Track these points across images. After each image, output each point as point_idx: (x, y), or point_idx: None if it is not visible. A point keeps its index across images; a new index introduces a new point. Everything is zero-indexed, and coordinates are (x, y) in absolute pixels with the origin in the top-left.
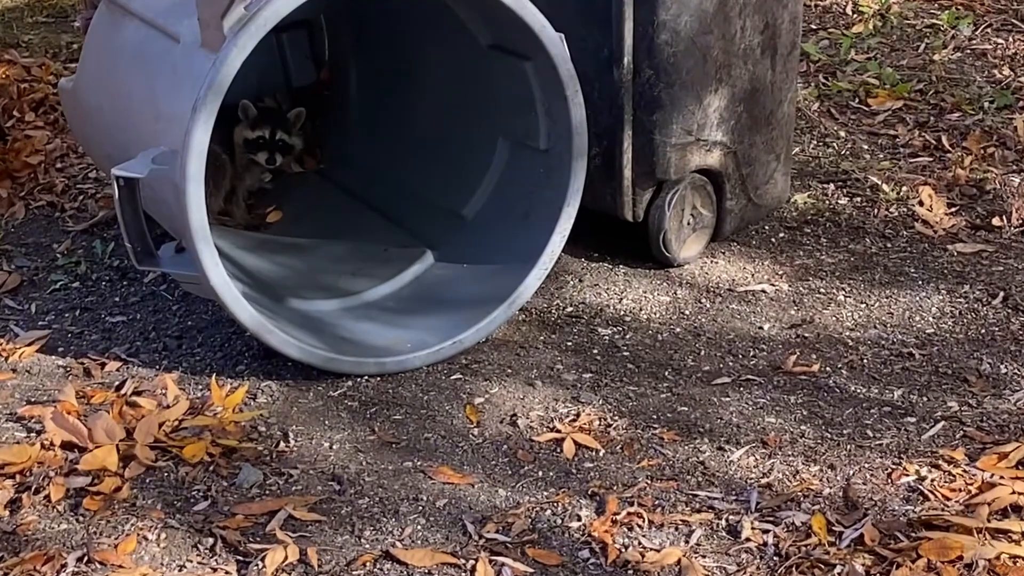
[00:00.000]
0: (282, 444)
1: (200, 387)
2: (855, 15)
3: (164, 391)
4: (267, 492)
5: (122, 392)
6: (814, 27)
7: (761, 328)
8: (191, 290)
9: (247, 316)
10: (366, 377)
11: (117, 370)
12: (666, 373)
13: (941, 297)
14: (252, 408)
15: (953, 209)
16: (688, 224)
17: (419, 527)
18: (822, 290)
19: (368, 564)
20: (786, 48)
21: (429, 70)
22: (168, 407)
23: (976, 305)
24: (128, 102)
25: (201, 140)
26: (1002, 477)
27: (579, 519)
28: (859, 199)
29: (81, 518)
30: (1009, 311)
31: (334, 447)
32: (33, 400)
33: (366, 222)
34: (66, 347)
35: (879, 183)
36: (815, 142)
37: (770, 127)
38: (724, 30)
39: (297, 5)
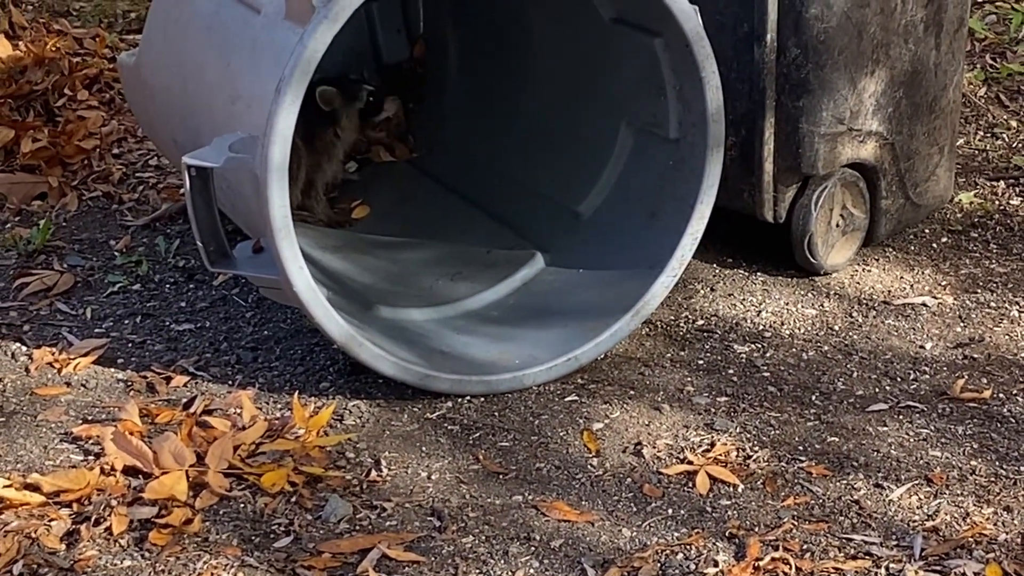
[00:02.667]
0: (373, 473)
1: (279, 406)
2: None
3: (239, 410)
4: (357, 527)
5: (191, 410)
6: (979, 0)
7: (923, 347)
8: (269, 295)
9: (335, 327)
10: (468, 397)
11: (184, 385)
12: (813, 398)
13: None
14: (339, 431)
15: None
16: (837, 226)
17: (531, 570)
18: (993, 304)
19: None
20: (953, 25)
21: (540, 46)
22: (244, 428)
23: None
24: (200, 81)
25: (286, 125)
26: None
27: (715, 564)
28: None
29: (147, 554)
30: None
31: (433, 477)
32: (90, 418)
33: (466, 219)
34: (126, 358)
35: None
36: (982, 133)
37: (933, 115)
38: (883, 3)
39: None
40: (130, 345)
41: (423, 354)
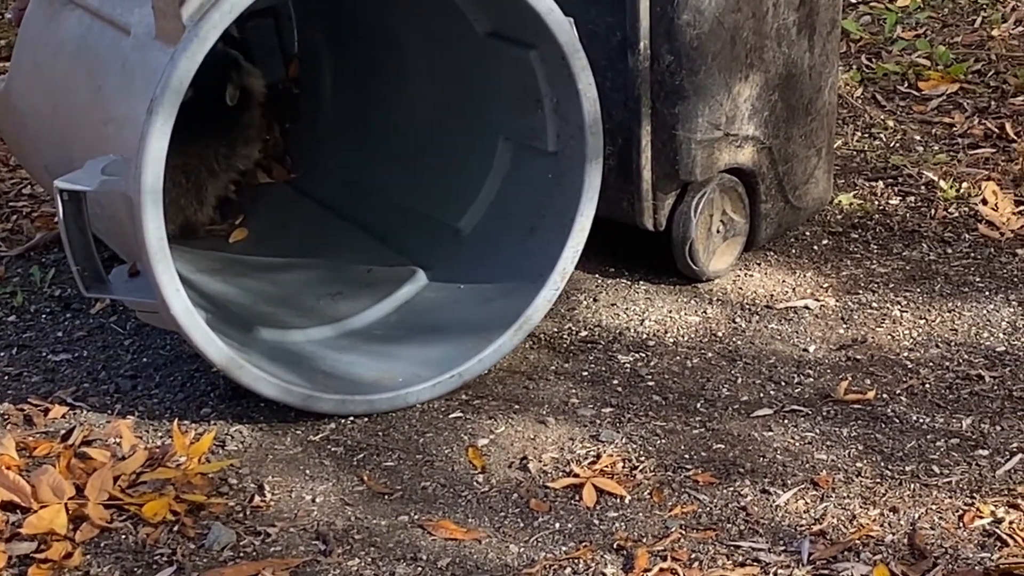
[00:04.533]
0: (257, 498)
1: (160, 434)
2: None
3: (118, 440)
4: (241, 555)
5: (70, 442)
6: (853, 0)
7: (806, 350)
8: (147, 320)
9: (215, 349)
10: (352, 418)
11: (63, 416)
12: (698, 405)
13: (1012, 310)
14: (221, 457)
15: (1021, 207)
16: (718, 232)
17: None
18: (874, 304)
19: None
20: (825, 26)
21: (415, 63)
22: (123, 458)
23: None
24: (71, 104)
25: (158, 146)
26: None
27: None
28: (913, 198)
29: None
30: None
31: (317, 500)
32: None
33: (346, 239)
34: (2, 391)
35: (935, 179)
36: (859, 134)
37: (809, 118)
38: (754, 7)
39: None
40: (6, 378)
41: (306, 375)
